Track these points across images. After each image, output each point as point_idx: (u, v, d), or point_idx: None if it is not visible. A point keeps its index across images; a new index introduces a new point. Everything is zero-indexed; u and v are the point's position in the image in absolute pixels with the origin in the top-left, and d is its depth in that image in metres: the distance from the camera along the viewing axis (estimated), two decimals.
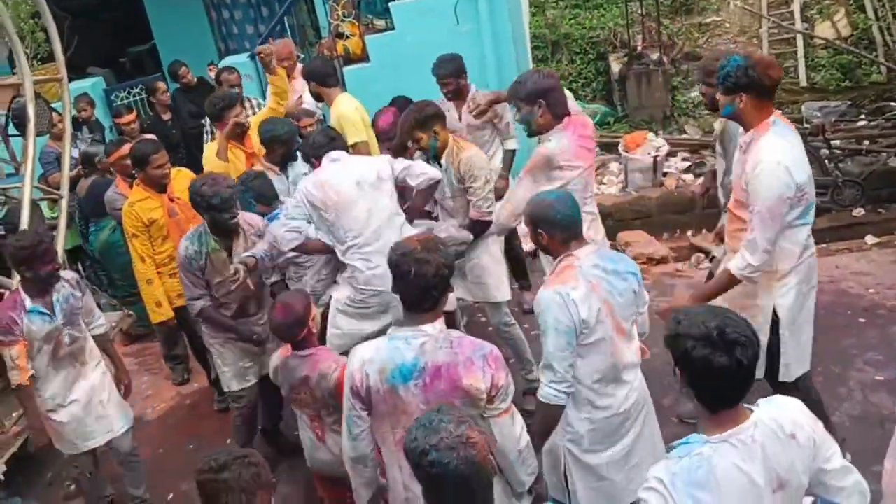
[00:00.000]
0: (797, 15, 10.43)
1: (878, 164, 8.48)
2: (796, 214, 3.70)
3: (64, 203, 5.85)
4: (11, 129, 5.92)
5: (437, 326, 3.05)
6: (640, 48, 10.34)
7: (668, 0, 11.40)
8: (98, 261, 7.20)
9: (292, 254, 4.74)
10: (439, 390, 2.95)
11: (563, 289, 3.24)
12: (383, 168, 4.53)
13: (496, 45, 7.17)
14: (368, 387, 3.02)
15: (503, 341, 5.40)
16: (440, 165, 4.86)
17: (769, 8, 10.73)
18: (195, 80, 8.67)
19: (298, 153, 5.52)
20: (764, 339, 3.91)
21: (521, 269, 6.43)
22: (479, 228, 4.89)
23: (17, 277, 5.16)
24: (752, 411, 2.37)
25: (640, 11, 10.65)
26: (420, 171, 4.61)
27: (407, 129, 4.85)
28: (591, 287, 3.26)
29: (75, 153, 7.19)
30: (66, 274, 4.55)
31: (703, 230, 7.90)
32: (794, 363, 3.98)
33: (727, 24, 11.14)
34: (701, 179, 8.49)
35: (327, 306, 4.70)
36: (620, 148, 8.85)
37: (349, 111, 5.72)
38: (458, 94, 5.82)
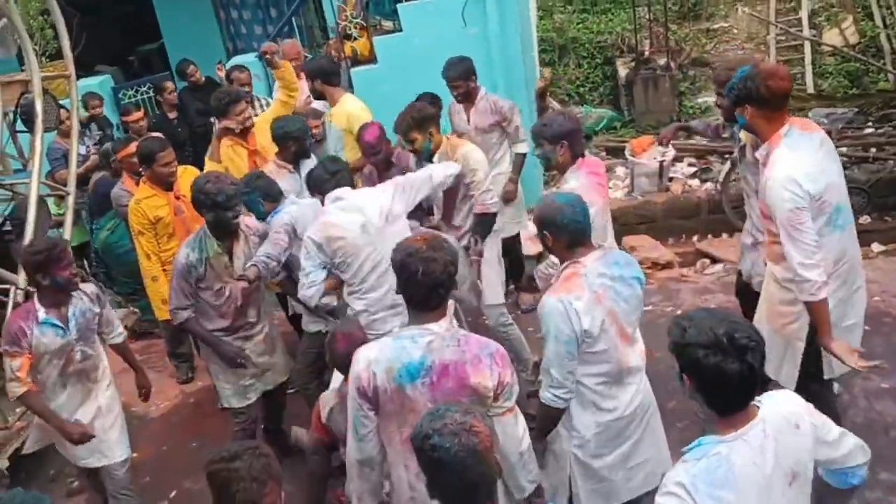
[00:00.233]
0: (805, 22, 10.42)
1: (885, 171, 8.46)
2: (821, 223, 3.67)
3: (71, 199, 5.86)
4: (19, 126, 5.94)
5: (443, 325, 3.05)
6: (647, 53, 10.34)
7: (676, 5, 11.40)
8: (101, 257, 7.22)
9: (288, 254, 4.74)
10: (447, 388, 2.95)
11: (566, 297, 3.24)
12: (394, 207, 4.41)
13: (504, 47, 7.18)
14: (375, 386, 3.01)
15: (501, 342, 5.42)
16: (427, 162, 4.96)
17: (777, 15, 10.72)
18: (203, 79, 8.69)
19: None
20: (800, 344, 3.92)
21: (518, 270, 6.45)
22: (486, 223, 4.95)
23: (22, 275, 5.18)
24: (758, 408, 2.38)
25: (647, 16, 10.65)
26: (440, 176, 4.66)
27: (403, 129, 4.92)
28: (596, 297, 3.26)
29: (83, 150, 7.22)
30: (87, 287, 4.45)
31: (709, 235, 7.90)
32: (828, 360, 3.92)
33: (735, 31, 11.13)
34: (707, 185, 8.51)
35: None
36: (627, 152, 8.84)
37: (358, 109, 5.78)
38: (467, 97, 5.86)
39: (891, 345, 5.27)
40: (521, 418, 3.14)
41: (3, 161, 5.65)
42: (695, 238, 8.04)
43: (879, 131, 9.20)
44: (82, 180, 6.86)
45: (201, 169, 5.93)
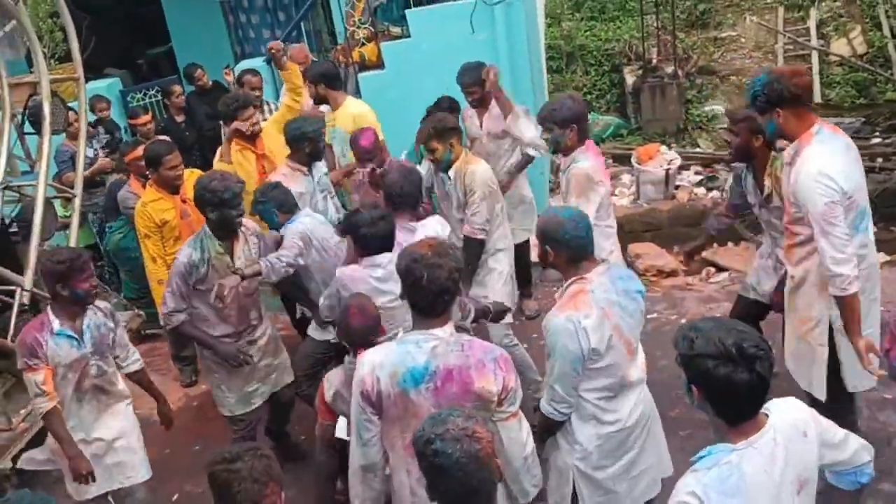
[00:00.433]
0: (813, 31, 10.42)
1: (892, 182, 8.45)
2: (849, 221, 3.65)
3: (77, 202, 5.89)
4: (27, 128, 5.97)
5: (447, 330, 3.05)
6: (654, 61, 10.34)
7: (684, 14, 11.41)
8: (111, 259, 7.25)
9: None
10: (451, 393, 2.96)
11: (575, 316, 3.21)
12: None
13: (511, 54, 7.18)
14: (379, 391, 3.02)
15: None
16: (449, 178, 4.98)
17: (785, 24, 10.73)
18: (210, 82, 8.72)
19: None
20: (822, 350, 3.91)
21: (526, 278, 6.43)
22: (472, 248, 4.95)
23: (28, 275, 5.20)
24: (767, 416, 2.39)
25: (655, 24, 10.65)
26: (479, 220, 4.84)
27: (424, 138, 4.93)
28: (603, 314, 3.24)
29: (90, 153, 7.25)
30: (100, 303, 4.36)
31: (715, 244, 7.88)
32: (852, 373, 3.92)
33: (743, 39, 11.13)
34: (713, 193, 8.50)
35: None
36: (633, 160, 8.84)
37: (363, 111, 5.80)
38: (481, 102, 5.88)
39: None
40: (525, 423, 3.15)
41: (10, 162, 5.68)
42: None
43: (887, 141, 9.19)
44: (89, 183, 6.88)
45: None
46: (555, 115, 4.65)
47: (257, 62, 8.38)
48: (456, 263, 3.06)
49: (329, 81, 6.01)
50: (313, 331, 5.06)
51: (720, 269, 7.40)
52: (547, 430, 3.42)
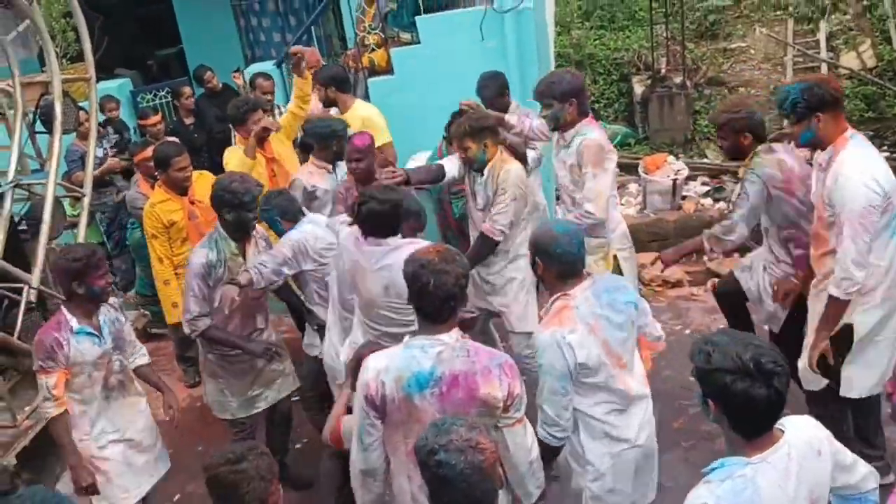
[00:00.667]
0: (823, 44, 10.40)
1: None
2: (884, 223, 3.68)
3: (86, 201, 5.91)
4: (39, 127, 5.99)
5: (453, 335, 3.06)
6: (663, 71, 10.33)
7: (694, 24, 11.40)
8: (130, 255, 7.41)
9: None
10: (456, 399, 2.96)
11: (559, 331, 3.23)
12: None
13: (521, 62, 7.19)
14: (383, 395, 3.02)
15: (524, 373, 5.39)
16: (481, 175, 4.87)
17: (795, 36, 10.71)
18: (220, 85, 8.75)
19: None
20: (808, 337, 3.93)
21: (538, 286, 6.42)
22: (484, 246, 4.85)
23: (36, 272, 5.22)
24: (782, 431, 2.39)
25: (665, 35, 10.65)
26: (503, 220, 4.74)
27: (459, 135, 4.83)
28: (589, 329, 3.25)
29: (100, 153, 7.29)
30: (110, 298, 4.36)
31: (720, 255, 7.87)
32: (858, 379, 3.95)
33: (752, 51, 11.11)
34: (720, 204, 8.48)
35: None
36: (640, 169, 8.83)
37: (373, 114, 5.82)
38: (500, 111, 5.88)
39: None
40: (530, 428, 3.16)
41: (21, 161, 5.70)
42: (705, 257, 8.02)
43: (895, 156, 9.17)
44: (98, 183, 6.91)
45: (217, 175, 5.98)
46: (554, 89, 4.65)
47: (267, 65, 8.41)
48: (462, 270, 3.08)
49: (339, 84, 6.06)
50: (305, 346, 5.05)
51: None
52: (548, 454, 3.36)
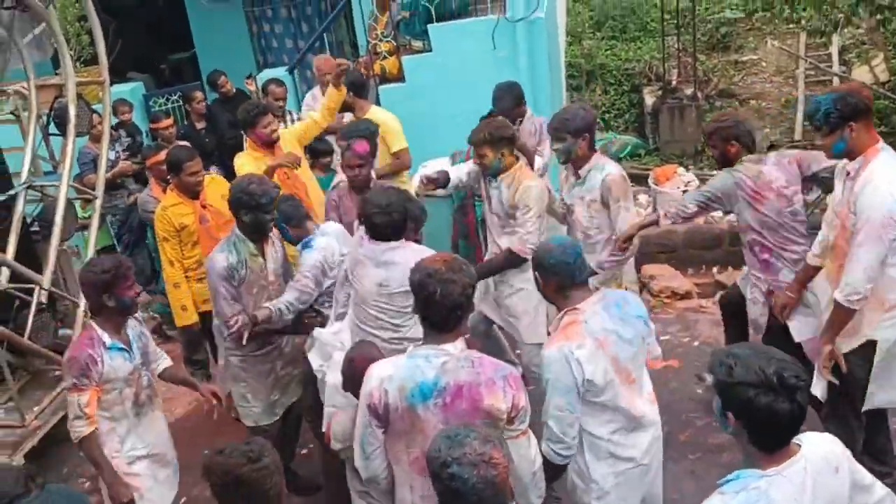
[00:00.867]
0: (835, 58, 10.39)
1: None
2: None
3: (98, 203, 5.95)
4: (52, 129, 6.03)
5: (458, 346, 3.05)
6: (674, 82, 10.33)
7: (706, 36, 11.40)
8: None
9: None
10: (460, 410, 2.95)
11: (567, 346, 3.19)
12: None
13: (532, 71, 7.22)
14: (387, 404, 3.01)
15: (533, 383, 5.40)
16: (495, 180, 4.91)
17: (807, 49, 10.70)
18: (234, 90, 8.79)
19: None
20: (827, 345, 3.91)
21: None
22: (513, 261, 4.88)
23: (47, 273, 5.25)
24: (799, 446, 2.38)
25: (676, 46, 10.66)
26: (533, 238, 4.75)
27: (478, 141, 4.87)
28: (598, 343, 3.21)
29: (112, 156, 7.33)
30: None
31: (729, 267, 7.86)
32: (880, 392, 3.94)
33: (764, 64, 11.11)
34: (730, 217, 8.48)
35: None
36: (650, 180, 8.83)
37: (389, 119, 5.87)
38: (512, 122, 5.91)
39: None
40: (534, 440, 3.15)
41: (34, 162, 5.74)
42: (714, 269, 8.01)
43: None
44: (109, 186, 6.95)
45: (230, 179, 6.01)
46: (568, 125, 4.74)
47: (279, 71, 8.46)
48: (469, 279, 3.06)
49: (357, 90, 6.15)
50: (307, 347, 5.03)
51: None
52: (551, 472, 3.32)
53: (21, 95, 5.83)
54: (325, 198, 5.66)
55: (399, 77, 7.72)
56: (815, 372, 4.01)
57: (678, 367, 3.72)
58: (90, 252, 5.93)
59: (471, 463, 2.34)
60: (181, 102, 9.65)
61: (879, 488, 2.55)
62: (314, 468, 5.11)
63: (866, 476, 2.52)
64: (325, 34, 8.45)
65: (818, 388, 4.00)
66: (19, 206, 5.41)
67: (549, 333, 5.30)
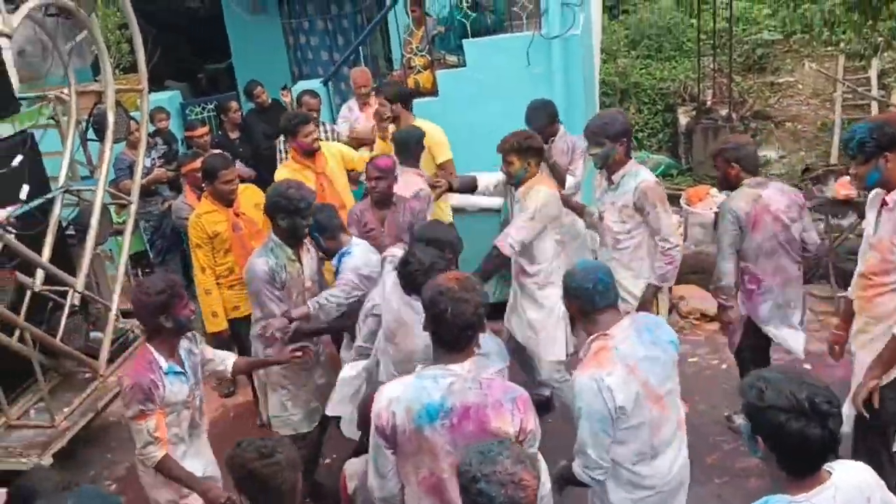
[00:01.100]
0: (874, 81, 10.29)
1: None
2: None
3: (133, 209, 6.02)
4: (91, 134, 6.12)
5: (465, 366, 3.01)
6: (709, 103, 10.30)
7: (742, 57, 11.35)
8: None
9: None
10: (467, 432, 2.91)
11: (598, 374, 3.15)
12: None
13: (567, 88, 7.22)
14: (394, 425, 2.99)
15: (555, 398, 5.38)
16: (515, 189, 5.02)
17: (845, 72, 10.61)
18: (270, 101, 8.87)
19: None
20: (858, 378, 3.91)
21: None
22: (492, 259, 4.90)
23: (81, 277, 5.31)
24: (830, 472, 2.35)
25: (712, 66, 10.62)
26: (517, 236, 4.79)
27: (506, 148, 4.95)
28: (628, 370, 3.17)
29: (147, 162, 7.42)
30: None
31: None
32: None
33: (800, 86, 11.03)
34: None
35: None
36: (682, 201, 8.78)
37: (436, 130, 5.95)
38: (546, 140, 5.93)
39: None
40: (543, 463, 3.11)
41: (71, 167, 5.83)
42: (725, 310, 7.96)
43: None
44: (144, 192, 7.03)
45: (263, 188, 6.07)
46: (607, 129, 4.77)
47: (314, 83, 8.52)
48: (482, 299, 3.03)
49: (405, 102, 6.30)
50: (343, 357, 5.06)
51: None
52: (571, 483, 3.33)
53: (61, 101, 5.92)
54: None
55: (432, 91, 7.75)
56: (845, 403, 3.96)
57: (687, 410, 3.65)
58: (124, 257, 6.00)
59: (499, 482, 2.31)
60: (217, 112, 9.75)
61: None
62: (336, 478, 5.11)
63: None
64: (360, 47, 8.51)
65: (845, 422, 3.95)
66: (56, 210, 5.50)
67: (571, 354, 5.37)
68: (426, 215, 5.35)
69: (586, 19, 7.95)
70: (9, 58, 5.81)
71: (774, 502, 2.33)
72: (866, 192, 4.07)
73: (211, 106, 9.95)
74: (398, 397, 3.00)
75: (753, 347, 4.93)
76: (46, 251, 5.22)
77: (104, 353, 5.63)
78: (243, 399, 6.49)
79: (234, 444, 5.53)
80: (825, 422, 2.23)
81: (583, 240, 6.13)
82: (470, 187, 5.61)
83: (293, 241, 4.62)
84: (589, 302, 3.28)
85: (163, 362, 3.76)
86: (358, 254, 4.79)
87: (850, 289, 4.22)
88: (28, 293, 4.98)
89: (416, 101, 7.70)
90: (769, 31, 11.79)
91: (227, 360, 4.30)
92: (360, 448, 4.03)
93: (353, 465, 4.02)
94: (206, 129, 8.06)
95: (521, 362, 5.31)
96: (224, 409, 6.46)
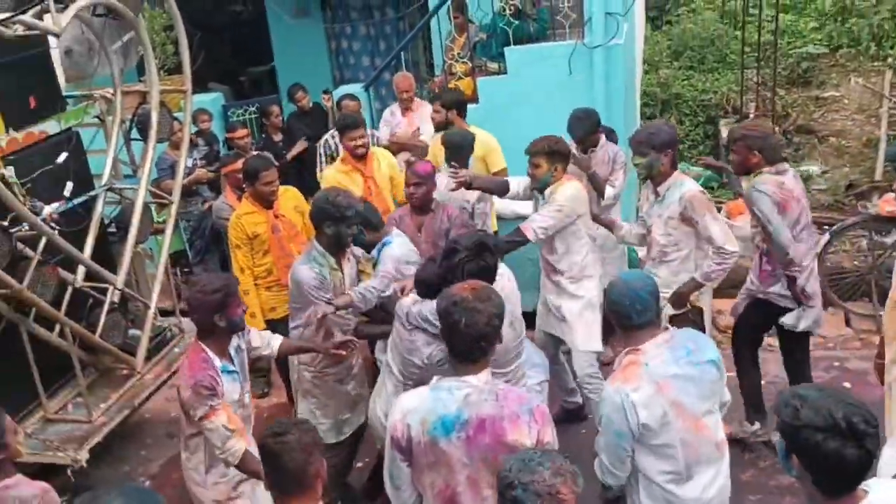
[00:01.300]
0: None
1: None
2: None
3: (174, 209, 6.07)
4: (134, 134, 6.19)
5: (482, 378, 2.98)
6: (752, 116, 10.18)
7: (786, 70, 11.20)
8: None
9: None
10: (483, 444, 2.89)
11: (623, 389, 3.12)
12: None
13: (608, 97, 7.17)
14: (409, 437, 2.97)
15: (584, 394, 5.34)
16: (542, 197, 5.04)
17: (892, 88, 10.43)
18: (311, 105, 8.93)
19: None
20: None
21: (607, 324, 6.36)
22: (514, 241, 4.94)
23: (121, 274, 5.37)
24: (866, 492, 2.30)
25: (755, 79, 10.50)
26: (542, 223, 4.81)
27: (535, 150, 4.99)
28: (657, 388, 3.11)
29: (189, 163, 7.50)
30: None
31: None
32: None
33: (846, 101, 10.85)
34: None
35: None
36: (722, 214, 8.69)
37: (491, 138, 5.99)
38: (585, 151, 5.93)
39: None
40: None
41: (115, 166, 5.90)
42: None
43: None
44: (185, 192, 7.10)
45: (303, 191, 6.13)
46: (653, 140, 4.76)
47: (355, 87, 8.57)
48: (496, 310, 3.00)
49: (459, 108, 6.41)
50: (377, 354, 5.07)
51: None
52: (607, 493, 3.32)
53: (106, 100, 5.99)
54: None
55: (473, 98, 7.74)
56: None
57: (729, 432, 3.59)
58: (163, 256, 6.06)
59: (536, 492, 2.29)
60: (258, 114, 9.84)
61: None
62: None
63: None
64: (401, 53, 8.54)
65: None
66: (98, 208, 5.56)
67: (604, 365, 5.35)
68: (464, 221, 5.36)
69: (630, 29, 7.90)
70: (57, 57, 5.90)
71: None
72: None
73: (253, 108, 10.03)
74: (413, 409, 2.99)
75: (754, 326, 5.29)
76: (88, 248, 5.28)
77: (142, 351, 5.68)
78: (277, 400, 6.52)
79: None
80: (862, 442, 2.20)
81: (621, 251, 6.09)
82: (500, 190, 5.60)
83: (336, 250, 4.61)
84: (626, 317, 3.24)
85: (216, 361, 3.76)
86: (398, 244, 4.87)
87: (884, 314, 4.15)
88: (69, 289, 5.04)
89: None
90: (815, 44, 11.63)
91: (272, 341, 4.33)
92: None
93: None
94: (246, 131, 8.13)
95: (552, 372, 5.29)
96: (257, 409, 6.46)
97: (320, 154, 7.52)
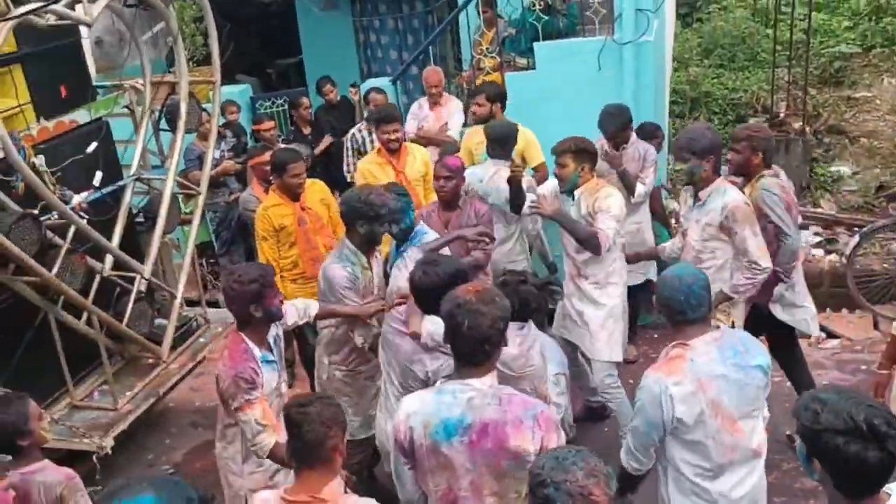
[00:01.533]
0: None
1: None
2: None
3: (201, 200, 6.10)
4: (163, 125, 6.22)
5: (486, 381, 2.95)
6: (782, 115, 10.06)
7: (818, 70, 11.06)
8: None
9: None
10: (485, 449, 2.87)
11: (664, 381, 3.10)
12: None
13: (637, 94, 7.12)
14: (412, 440, 2.96)
15: (604, 401, 5.31)
16: (572, 198, 4.99)
17: None
18: (339, 98, 8.93)
19: None
20: None
21: (631, 322, 6.31)
22: (591, 243, 4.85)
23: (148, 263, 5.40)
24: (889, 495, 2.27)
25: (787, 78, 10.38)
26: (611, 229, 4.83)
27: (562, 150, 4.94)
28: (698, 385, 3.09)
29: (217, 154, 7.53)
30: None
31: (828, 309, 7.57)
32: None
33: (878, 101, 10.70)
34: (831, 256, 8.18)
35: None
36: None
37: (530, 133, 5.97)
38: (616, 148, 5.88)
39: None
40: None
41: (143, 156, 5.94)
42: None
43: None
44: (212, 183, 7.13)
45: (330, 184, 6.13)
46: (693, 145, 4.60)
47: (383, 81, 8.56)
48: (500, 312, 2.95)
49: (502, 102, 6.47)
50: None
51: (831, 335, 7.12)
52: (626, 482, 3.28)
53: (136, 91, 6.02)
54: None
55: None
56: None
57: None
58: (190, 246, 6.09)
59: (568, 492, 2.25)
60: (286, 106, 9.86)
61: None
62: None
63: None
64: (429, 47, 8.52)
65: None
66: (127, 197, 5.60)
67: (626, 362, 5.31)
68: (491, 218, 5.33)
69: (660, 26, 7.84)
70: (87, 47, 5.94)
71: None
72: None
73: (280, 101, 10.06)
74: (416, 411, 2.97)
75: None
76: (116, 237, 5.32)
77: (168, 340, 5.72)
78: (300, 391, 6.52)
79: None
80: (884, 444, 2.16)
81: (649, 246, 6.05)
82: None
83: (367, 248, 4.57)
84: (679, 312, 3.23)
85: (256, 351, 3.74)
86: (432, 237, 4.81)
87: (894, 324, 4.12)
88: (97, 278, 5.07)
89: None
90: (847, 44, 11.48)
91: (309, 308, 4.38)
92: None
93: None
94: (272, 123, 8.16)
95: (572, 374, 5.26)
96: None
97: (347, 148, 7.52)
